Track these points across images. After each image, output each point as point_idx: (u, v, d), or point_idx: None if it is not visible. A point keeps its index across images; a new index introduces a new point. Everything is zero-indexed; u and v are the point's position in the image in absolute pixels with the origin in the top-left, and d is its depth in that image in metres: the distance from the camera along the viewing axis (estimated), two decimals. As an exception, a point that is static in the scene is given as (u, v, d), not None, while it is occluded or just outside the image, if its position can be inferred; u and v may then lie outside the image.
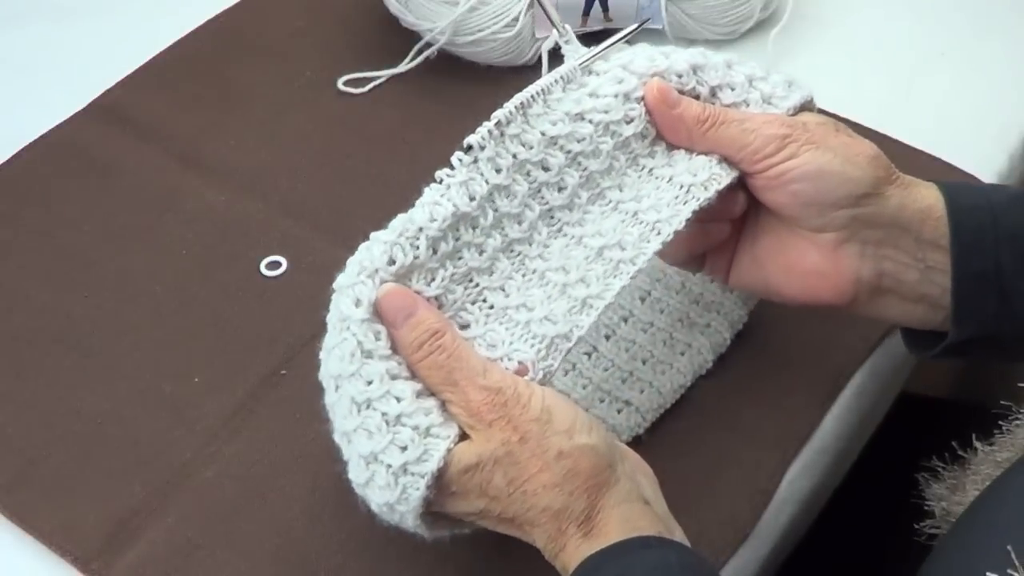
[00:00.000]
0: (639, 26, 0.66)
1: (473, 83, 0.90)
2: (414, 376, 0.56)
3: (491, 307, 0.59)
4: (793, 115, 0.63)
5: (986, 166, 0.86)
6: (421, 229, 0.57)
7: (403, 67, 0.92)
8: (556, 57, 0.64)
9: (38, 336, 0.76)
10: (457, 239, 0.58)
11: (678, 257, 0.68)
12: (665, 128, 0.62)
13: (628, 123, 0.61)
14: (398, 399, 0.55)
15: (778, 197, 0.62)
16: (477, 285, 0.59)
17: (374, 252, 0.56)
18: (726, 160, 0.62)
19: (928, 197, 0.62)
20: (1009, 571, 0.48)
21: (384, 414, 0.55)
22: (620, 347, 0.72)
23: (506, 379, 0.55)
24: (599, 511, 0.54)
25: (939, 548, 0.59)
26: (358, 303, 0.56)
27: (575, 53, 0.63)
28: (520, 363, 0.57)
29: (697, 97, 0.63)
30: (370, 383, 0.55)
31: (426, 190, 0.58)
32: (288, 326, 0.76)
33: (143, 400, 0.72)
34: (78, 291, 0.78)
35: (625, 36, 0.64)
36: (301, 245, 0.80)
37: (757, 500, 0.68)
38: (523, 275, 0.60)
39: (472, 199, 0.58)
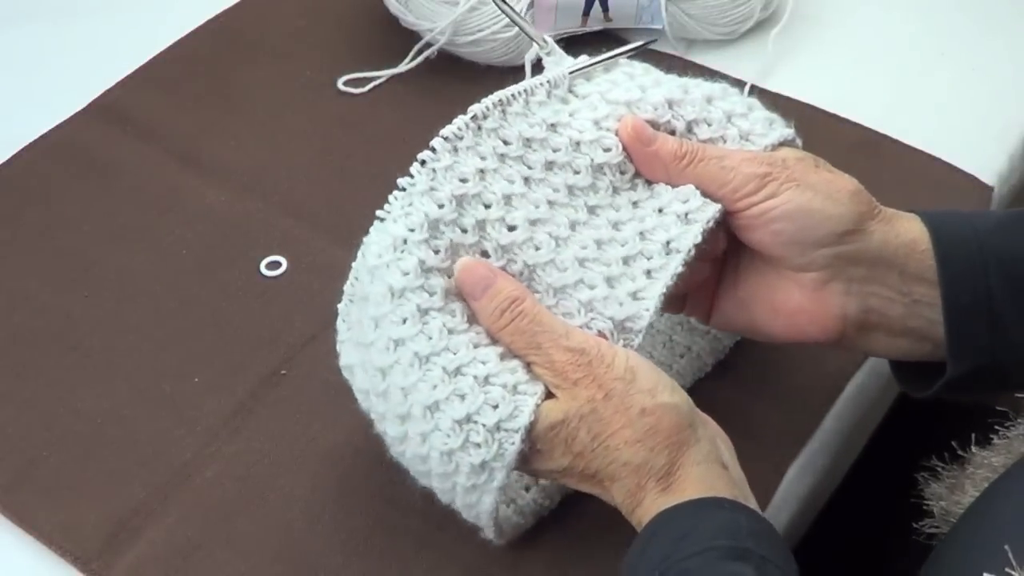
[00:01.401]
0: (642, 44, 0.66)
1: (473, 83, 0.90)
2: (495, 343, 0.57)
3: (551, 281, 0.59)
4: (772, 151, 0.63)
5: (986, 166, 0.86)
6: (427, 214, 0.58)
7: (403, 67, 0.92)
8: (539, 69, 0.65)
9: (38, 336, 0.76)
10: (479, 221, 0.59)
11: None
12: (642, 165, 0.62)
13: (605, 151, 0.61)
14: (484, 362, 0.56)
15: (760, 236, 0.61)
16: (528, 263, 0.59)
17: (413, 218, 0.57)
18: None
19: (911, 230, 0.61)
20: (1007, 570, 0.48)
21: (475, 377, 0.56)
22: (620, 348, 0.72)
23: (589, 340, 0.57)
24: (678, 468, 0.55)
25: (938, 548, 0.59)
26: (424, 269, 0.57)
27: (558, 64, 0.63)
28: (599, 332, 0.58)
29: (673, 132, 0.62)
30: (457, 353, 0.56)
31: (411, 175, 0.59)
32: (288, 326, 0.76)
33: (143, 400, 0.72)
34: (78, 291, 0.78)
35: (622, 53, 0.64)
36: (301, 245, 0.80)
37: (757, 500, 0.68)
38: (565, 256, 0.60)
39: (464, 180, 0.59)
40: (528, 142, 0.60)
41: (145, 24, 0.98)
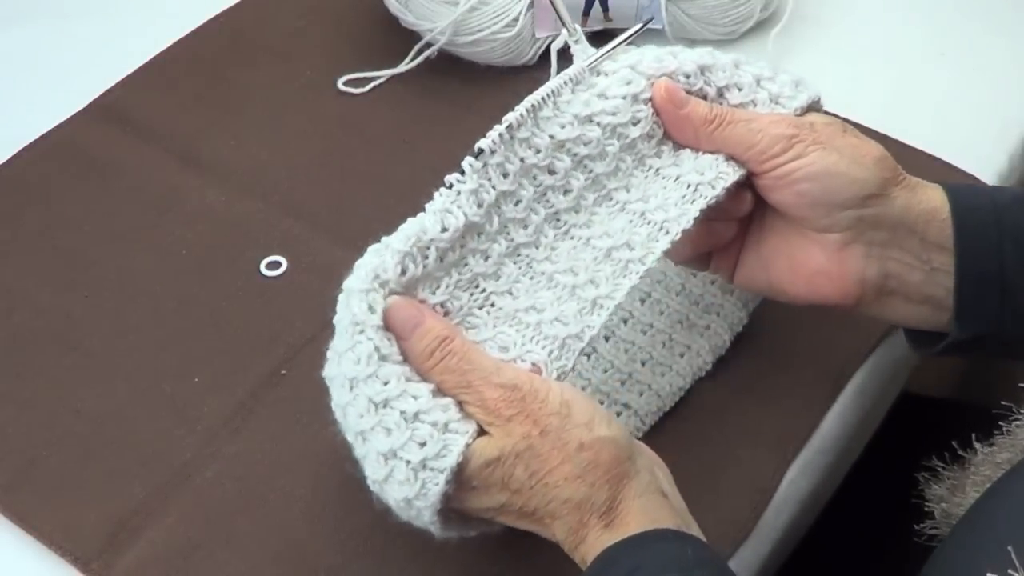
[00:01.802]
0: (643, 25, 0.67)
1: (473, 83, 0.90)
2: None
3: (499, 310, 0.59)
4: (800, 115, 0.63)
5: (986, 166, 0.86)
6: (432, 240, 0.57)
7: (403, 67, 0.92)
8: (564, 57, 0.64)
9: (38, 336, 0.76)
10: (463, 246, 0.59)
11: (684, 255, 0.68)
12: (672, 128, 0.62)
13: (635, 124, 0.61)
14: (415, 397, 0.55)
15: (784, 197, 0.62)
16: (484, 290, 0.59)
17: (387, 261, 0.57)
18: (733, 159, 0.62)
19: (933, 199, 0.62)
20: (1010, 571, 0.48)
21: (402, 412, 0.55)
22: (619, 348, 0.72)
23: (520, 375, 0.56)
24: (620, 502, 0.55)
25: (940, 549, 0.59)
26: (372, 310, 0.56)
27: (584, 53, 0.63)
28: (533, 364, 0.57)
29: (704, 97, 0.63)
30: (387, 383, 0.55)
31: (436, 195, 0.58)
32: (288, 326, 0.76)
33: (143, 400, 0.72)
34: (78, 291, 0.78)
35: (630, 36, 0.65)
36: (301, 245, 0.80)
37: (757, 500, 0.68)
38: (531, 278, 0.60)
39: (480, 206, 0.58)
40: (561, 145, 0.60)
41: (145, 24, 0.98)
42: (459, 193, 0.58)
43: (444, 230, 0.57)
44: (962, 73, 0.93)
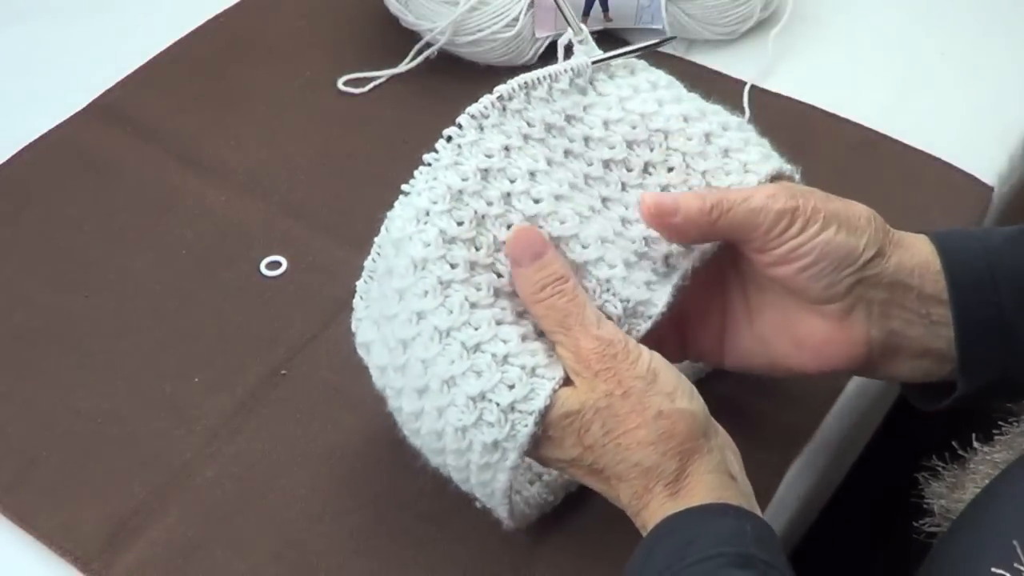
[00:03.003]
0: (659, 42, 0.66)
1: (473, 83, 0.89)
2: (519, 322, 0.57)
3: (573, 258, 0.59)
4: (770, 181, 0.62)
5: (986, 166, 0.86)
6: (450, 186, 0.58)
7: (403, 67, 0.92)
8: (569, 56, 0.64)
9: (38, 336, 0.76)
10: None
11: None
12: (674, 236, 0.60)
13: (610, 149, 0.61)
14: (505, 341, 0.56)
15: (786, 272, 0.60)
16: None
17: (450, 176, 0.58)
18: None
19: (922, 252, 0.61)
20: (1016, 565, 0.48)
21: (494, 355, 0.56)
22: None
23: (619, 334, 0.56)
24: (688, 475, 0.55)
25: (940, 545, 0.59)
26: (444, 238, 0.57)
27: (587, 53, 0.63)
28: (608, 316, 0.58)
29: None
30: (478, 329, 0.56)
31: (441, 146, 0.59)
32: (288, 326, 0.76)
33: (143, 400, 0.72)
34: (78, 291, 0.78)
35: (641, 49, 0.64)
36: (301, 245, 0.80)
37: (757, 500, 0.68)
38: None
39: (489, 156, 0.59)
40: (549, 128, 0.60)
41: (145, 24, 0.98)
42: (482, 128, 0.59)
43: (464, 179, 0.58)
44: (962, 73, 0.93)
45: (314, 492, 0.68)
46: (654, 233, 0.60)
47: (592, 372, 0.55)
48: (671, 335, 0.65)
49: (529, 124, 0.60)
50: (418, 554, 0.65)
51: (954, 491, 0.66)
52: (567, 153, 0.61)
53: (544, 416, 0.56)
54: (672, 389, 0.56)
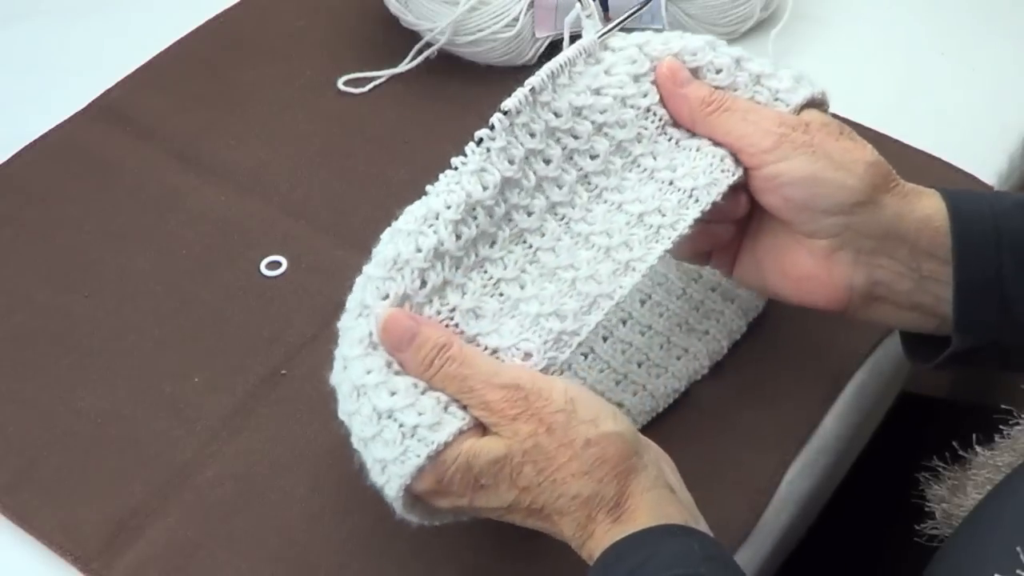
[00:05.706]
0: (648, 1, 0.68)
1: (473, 83, 0.90)
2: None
3: (543, 266, 0.60)
4: (799, 112, 0.63)
5: (986, 166, 0.86)
6: (477, 201, 0.58)
7: (403, 67, 0.92)
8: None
9: (38, 336, 0.76)
10: (506, 201, 0.60)
11: (683, 253, 0.68)
12: (670, 106, 0.62)
13: (643, 96, 0.62)
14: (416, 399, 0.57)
15: (772, 199, 0.62)
16: (530, 245, 0.60)
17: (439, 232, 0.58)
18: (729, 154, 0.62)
19: (928, 206, 0.62)
20: (1018, 572, 0.48)
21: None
22: (617, 349, 0.72)
23: (522, 375, 0.56)
24: (628, 497, 0.55)
25: (943, 549, 0.59)
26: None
27: (595, 27, 0.63)
28: (526, 352, 0.58)
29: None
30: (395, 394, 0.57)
31: (468, 149, 0.59)
32: (288, 326, 0.76)
33: (143, 400, 0.72)
34: (78, 291, 0.78)
35: (637, 11, 0.66)
36: (301, 245, 0.80)
37: (757, 500, 0.68)
38: (571, 237, 0.61)
39: (512, 163, 0.59)
40: (579, 110, 0.61)
41: (145, 24, 0.98)
42: (489, 151, 0.59)
43: (484, 188, 0.58)
44: (962, 73, 0.93)
45: (314, 492, 0.68)
46: (651, 205, 0.61)
47: (509, 419, 0.55)
48: (701, 239, 0.66)
49: (556, 115, 0.60)
50: (418, 554, 0.65)
51: (955, 494, 0.66)
52: (599, 128, 0.61)
53: (438, 454, 0.55)
54: (595, 415, 0.56)
